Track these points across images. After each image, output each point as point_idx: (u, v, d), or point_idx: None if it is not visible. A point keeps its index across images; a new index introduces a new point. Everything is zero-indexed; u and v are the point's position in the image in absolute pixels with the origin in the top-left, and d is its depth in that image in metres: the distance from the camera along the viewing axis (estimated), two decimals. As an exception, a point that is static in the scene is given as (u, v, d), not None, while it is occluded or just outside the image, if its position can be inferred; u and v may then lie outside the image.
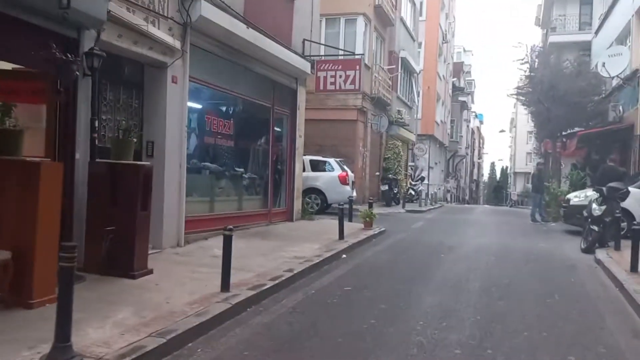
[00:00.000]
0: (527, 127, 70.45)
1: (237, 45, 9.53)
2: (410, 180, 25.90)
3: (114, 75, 7.11)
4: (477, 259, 8.95)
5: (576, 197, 13.14)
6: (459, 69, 54.09)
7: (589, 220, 10.13)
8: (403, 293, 6.27)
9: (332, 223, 11.73)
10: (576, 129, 20.21)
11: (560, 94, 17.44)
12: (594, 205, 10.12)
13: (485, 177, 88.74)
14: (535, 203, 16.46)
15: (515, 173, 76.64)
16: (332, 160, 15.86)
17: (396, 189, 20.75)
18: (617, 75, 16.18)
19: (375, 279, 7.09)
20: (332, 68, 12.91)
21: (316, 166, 15.92)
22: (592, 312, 5.80)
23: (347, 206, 11.96)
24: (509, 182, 77.63)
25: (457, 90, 51.00)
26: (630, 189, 10.68)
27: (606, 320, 5.43)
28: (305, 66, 12.44)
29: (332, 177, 15.58)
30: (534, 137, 51.80)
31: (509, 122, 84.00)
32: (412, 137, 28.11)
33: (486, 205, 44.33)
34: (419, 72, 32.71)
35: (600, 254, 9.18)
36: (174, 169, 7.93)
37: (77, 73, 5.36)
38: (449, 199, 42.73)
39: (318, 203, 15.50)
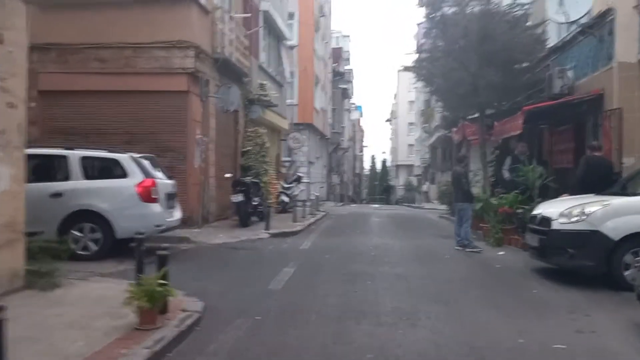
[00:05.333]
0: (409, 119, 67.89)
1: None
2: (282, 183, 19.15)
3: None
4: None
5: (563, 217, 7.22)
6: (338, 55, 48.85)
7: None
8: None
9: (94, 297, 4.86)
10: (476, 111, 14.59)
11: (497, 49, 11.51)
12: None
13: (367, 171, 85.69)
14: (465, 219, 10.34)
15: (397, 166, 74.19)
16: (125, 158, 8.56)
17: (257, 198, 13.86)
18: (577, 20, 10.76)
19: None
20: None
21: (94, 169, 8.60)
22: None
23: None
24: (389, 175, 75.33)
25: (337, 75, 45.59)
26: None
27: None
28: None
29: (123, 190, 8.34)
30: (420, 127, 48.10)
31: (390, 114, 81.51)
32: (285, 124, 21.47)
33: (374, 205, 39.37)
34: (294, 47, 26.45)
35: None
36: None
37: None
38: (333, 199, 37.05)
39: (97, 239, 8.19)
